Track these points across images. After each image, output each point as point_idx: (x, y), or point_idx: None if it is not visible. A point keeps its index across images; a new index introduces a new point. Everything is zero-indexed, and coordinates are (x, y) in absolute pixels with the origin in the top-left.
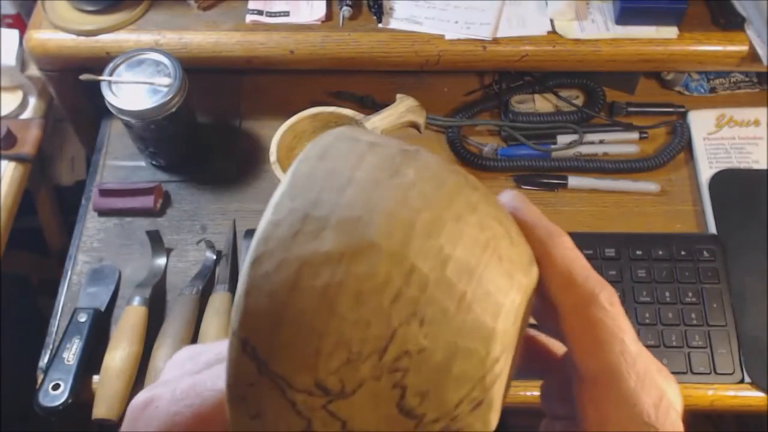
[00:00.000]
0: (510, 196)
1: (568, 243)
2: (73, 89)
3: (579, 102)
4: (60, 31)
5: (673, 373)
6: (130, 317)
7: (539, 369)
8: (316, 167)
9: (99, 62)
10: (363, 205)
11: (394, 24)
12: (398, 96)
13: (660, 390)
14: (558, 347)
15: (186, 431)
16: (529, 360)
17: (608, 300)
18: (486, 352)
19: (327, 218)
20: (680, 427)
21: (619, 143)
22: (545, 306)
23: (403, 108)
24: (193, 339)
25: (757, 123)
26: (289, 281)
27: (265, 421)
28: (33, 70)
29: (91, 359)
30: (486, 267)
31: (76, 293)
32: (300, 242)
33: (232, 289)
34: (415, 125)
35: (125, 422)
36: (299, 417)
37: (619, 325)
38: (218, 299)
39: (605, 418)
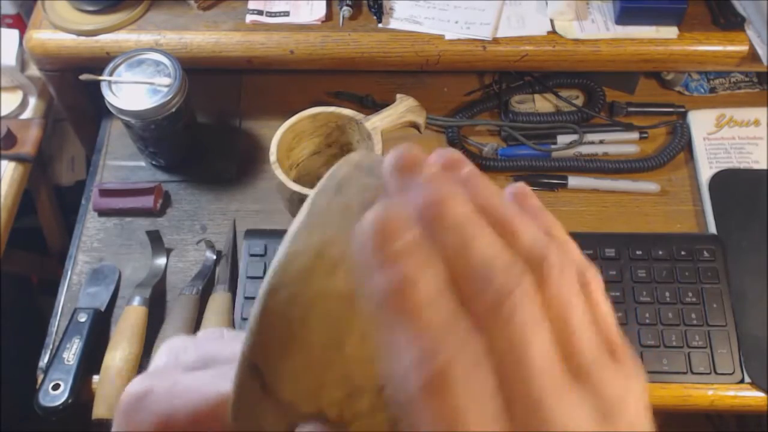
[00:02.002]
0: (513, 191)
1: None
2: (73, 89)
3: (579, 102)
4: (60, 31)
5: (673, 373)
6: (130, 317)
7: None
8: (332, 201)
9: (99, 62)
10: None
11: (394, 24)
12: (398, 96)
13: None
14: None
15: (184, 428)
16: None
17: None
18: None
19: (341, 258)
20: None
21: (619, 143)
22: None
23: (403, 108)
24: None
25: (757, 123)
26: (301, 314)
27: None
28: (33, 70)
29: (91, 359)
30: None
31: (76, 293)
32: (314, 278)
33: (232, 289)
34: (415, 125)
35: (121, 410)
36: None
37: None
38: (218, 299)
39: None
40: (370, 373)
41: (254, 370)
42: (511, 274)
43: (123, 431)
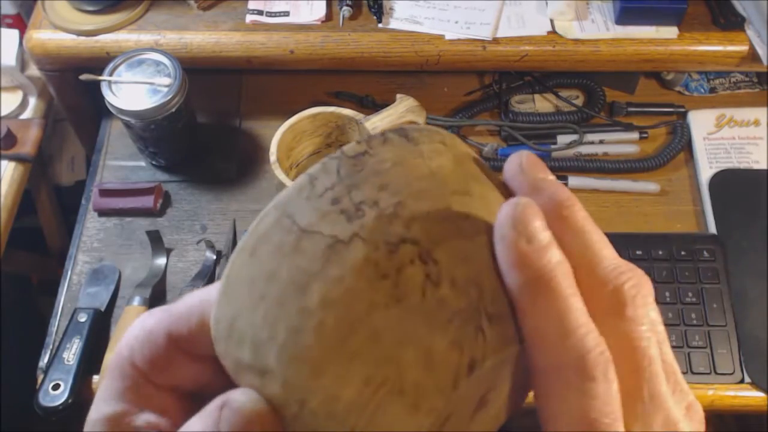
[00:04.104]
0: (513, 169)
1: (582, 209)
2: (73, 89)
3: (579, 102)
4: (60, 31)
5: None
6: (130, 317)
7: None
8: (244, 268)
9: (99, 62)
10: (266, 333)
11: (394, 24)
12: (398, 96)
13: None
14: None
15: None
16: None
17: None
18: None
19: (242, 338)
20: None
21: (619, 143)
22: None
23: (403, 108)
24: None
25: (757, 123)
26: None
27: None
28: (33, 70)
29: (91, 359)
30: (377, 406)
31: (76, 293)
32: (224, 352)
33: None
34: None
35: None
36: None
37: (575, 316)
38: None
39: (555, 411)
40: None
41: None
42: (633, 278)
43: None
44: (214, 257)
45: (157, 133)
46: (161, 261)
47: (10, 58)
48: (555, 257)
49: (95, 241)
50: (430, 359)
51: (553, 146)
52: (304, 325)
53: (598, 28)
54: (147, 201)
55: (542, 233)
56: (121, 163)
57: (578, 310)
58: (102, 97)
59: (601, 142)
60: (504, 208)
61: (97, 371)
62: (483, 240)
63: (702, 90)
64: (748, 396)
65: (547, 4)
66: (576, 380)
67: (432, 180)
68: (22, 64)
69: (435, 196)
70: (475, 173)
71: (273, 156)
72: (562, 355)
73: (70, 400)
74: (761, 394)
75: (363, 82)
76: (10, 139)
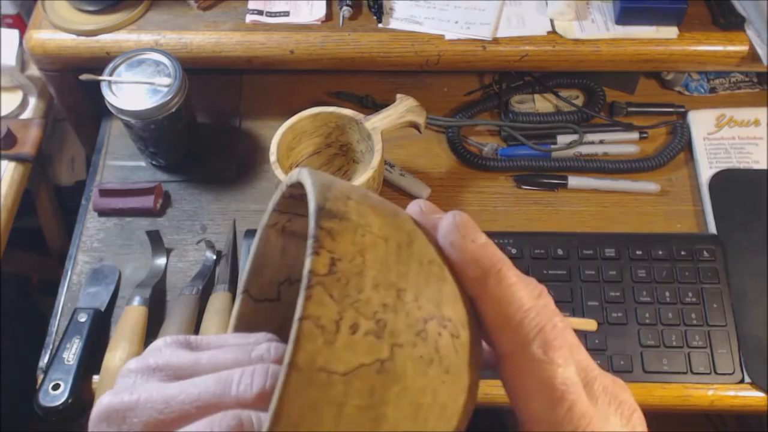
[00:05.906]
0: (445, 230)
1: (506, 278)
2: (73, 89)
3: (579, 102)
4: (60, 31)
5: (673, 373)
6: (130, 317)
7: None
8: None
9: (99, 62)
10: None
11: (394, 24)
12: (398, 96)
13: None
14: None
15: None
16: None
17: (542, 345)
18: None
19: None
20: None
21: (619, 143)
22: (488, 344)
23: (403, 108)
24: None
25: (757, 123)
26: None
27: None
28: (33, 70)
29: (91, 359)
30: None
31: (76, 293)
32: None
33: (232, 289)
34: (415, 125)
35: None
36: None
37: (554, 372)
38: (218, 299)
39: (527, 386)
40: None
41: None
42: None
43: None
44: (214, 257)
45: (157, 133)
46: (161, 261)
47: (10, 58)
48: (497, 251)
49: (95, 241)
50: (465, 413)
51: (553, 146)
52: None
53: (598, 28)
54: (147, 201)
55: (481, 234)
56: (121, 163)
57: (526, 294)
58: (102, 97)
59: (601, 142)
60: (446, 219)
61: (97, 371)
62: (447, 270)
63: (702, 90)
64: (748, 396)
65: (547, 4)
66: (539, 353)
67: (397, 250)
68: (22, 64)
69: (407, 261)
70: (394, 221)
71: (273, 156)
72: (526, 331)
73: (70, 400)
74: (761, 394)
75: (363, 82)
76: (10, 139)
